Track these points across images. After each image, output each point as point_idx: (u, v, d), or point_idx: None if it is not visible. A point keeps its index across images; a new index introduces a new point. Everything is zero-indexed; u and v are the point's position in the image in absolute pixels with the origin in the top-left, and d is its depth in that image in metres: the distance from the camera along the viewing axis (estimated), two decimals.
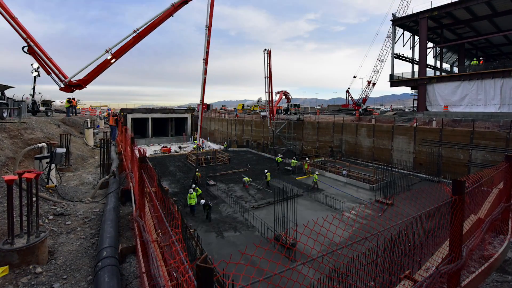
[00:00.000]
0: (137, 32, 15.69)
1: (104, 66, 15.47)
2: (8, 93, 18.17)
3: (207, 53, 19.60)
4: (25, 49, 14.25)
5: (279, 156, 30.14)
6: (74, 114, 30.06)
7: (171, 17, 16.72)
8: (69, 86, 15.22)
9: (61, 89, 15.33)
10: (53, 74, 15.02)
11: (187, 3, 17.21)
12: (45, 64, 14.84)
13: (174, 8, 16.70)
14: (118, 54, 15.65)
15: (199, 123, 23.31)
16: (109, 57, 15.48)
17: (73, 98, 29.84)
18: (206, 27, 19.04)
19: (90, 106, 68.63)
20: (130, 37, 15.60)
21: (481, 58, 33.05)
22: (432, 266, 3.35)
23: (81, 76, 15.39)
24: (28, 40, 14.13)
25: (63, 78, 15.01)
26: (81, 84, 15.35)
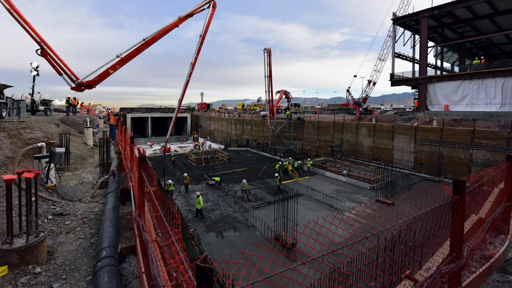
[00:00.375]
0: (146, 40, 17.49)
1: (113, 69, 17.00)
2: (7, 92, 18.15)
3: (195, 59, 21.09)
4: (39, 51, 15.26)
5: (296, 162, 26.97)
6: (74, 113, 30.07)
7: (176, 27, 18.81)
8: (80, 86, 16.44)
9: (72, 88, 16.52)
10: (64, 75, 16.20)
11: (192, 16, 19.37)
12: (57, 65, 15.97)
13: (180, 20, 18.84)
14: (127, 59, 17.23)
15: (171, 124, 23.50)
16: (118, 61, 17.01)
17: (74, 98, 29.92)
18: (200, 36, 20.55)
19: (89, 104, 67.34)
20: (139, 44, 17.38)
21: (482, 57, 32.92)
22: (432, 266, 3.33)
23: (91, 77, 16.72)
24: (42, 44, 15.14)
25: (74, 79, 16.25)
26: (91, 84, 16.69)
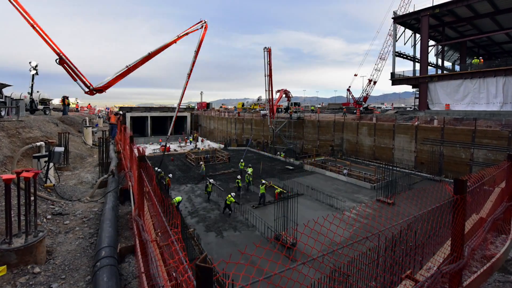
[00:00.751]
0: (150, 54, 21.07)
1: (122, 76, 20.35)
2: (6, 91, 18.14)
3: (191, 70, 24.17)
4: (57, 61, 17.64)
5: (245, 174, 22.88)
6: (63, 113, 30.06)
7: (175, 43, 22.28)
8: (92, 91, 19.16)
9: (85, 92, 19.21)
10: (79, 81, 18.80)
11: (188, 34, 22.90)
12: (73, 72, 18.54)
13: (178, 38, 22.31)
14: (133, 68, 20.70)
15: (171, 125, 26.28)
16: (126, 70, 20.28)
17: (67, 97, 30.25)
18: (194, 51, 23.82)
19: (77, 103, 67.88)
20: (143, 57, 20.84)
21: (481, 57, 32.86)
22: (433, 266, 3.31)
23: (101, 84, 19.77)
24: (60, 54, 17.56)
25: (88, 85, 18.99)
26: (102, 89, 19.65)
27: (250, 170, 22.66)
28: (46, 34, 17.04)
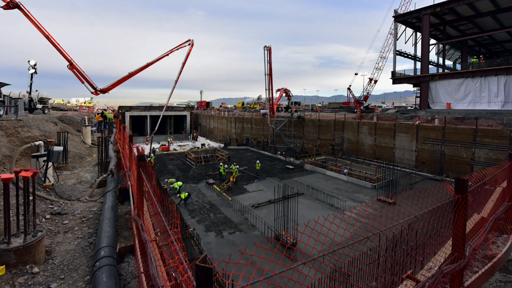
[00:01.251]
0: (148, 64, 25.59)
1: (123, 80, 24.74)
2: (4, 90, 18.13)
3: (178, 77, 28.22)
4: (68, 66, 20.68)
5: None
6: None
7: (167, 56, 27.16)
8: (98, 91, 22.88)
9: (92, 93, 23.07)
10: (86, 83, 22.20)
11: (178, 49, 27.28)
12: (81, 76, 21.72)
13: (171, 51, 26.87)
14: (133, 74, 25.10)
15: (155, 128, 30.47)
16: (127, 75, 25.22)
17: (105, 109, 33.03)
18: (182, 63, 27.89)
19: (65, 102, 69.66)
20: (142, 66, 25.28)
21: (481, 56, 32.79)
22: (434, 266, 3.29)
23: (106, 86, 24.29)
24: (71, 60, 20.75)
25: (95, 86, 22.74)
26: (106, 90, 23.78)
27: (233, 168, 23.36)
28: (58, 44, 19.94)
